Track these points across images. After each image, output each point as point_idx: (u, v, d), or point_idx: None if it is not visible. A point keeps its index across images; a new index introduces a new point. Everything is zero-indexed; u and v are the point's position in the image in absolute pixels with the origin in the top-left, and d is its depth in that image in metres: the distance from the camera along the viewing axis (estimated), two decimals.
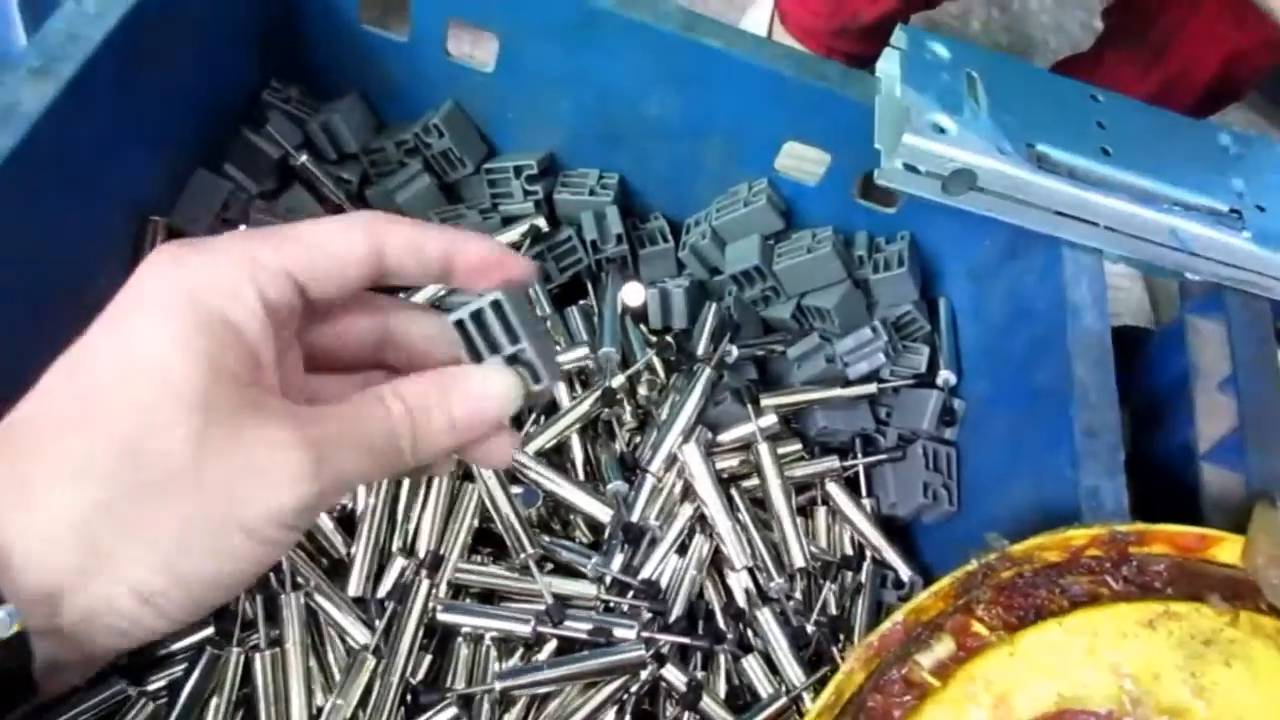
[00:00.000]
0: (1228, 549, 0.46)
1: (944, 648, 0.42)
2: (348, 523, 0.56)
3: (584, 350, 0.60)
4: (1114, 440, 0.52)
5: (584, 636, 0.52)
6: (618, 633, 0.52)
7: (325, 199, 0.66)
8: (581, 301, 0.66)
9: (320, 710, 0.50)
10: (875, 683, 0.40)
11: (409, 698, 0.51)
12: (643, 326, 0.65)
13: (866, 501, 0.62)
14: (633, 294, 0.64)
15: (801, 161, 0.65)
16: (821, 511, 0.62)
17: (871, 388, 0.62)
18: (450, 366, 0.32)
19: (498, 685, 0.50)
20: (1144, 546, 0.46)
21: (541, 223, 0.65)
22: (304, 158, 0.63)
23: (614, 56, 0.61)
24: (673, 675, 0.52)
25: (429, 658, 0.53)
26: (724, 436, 0.60)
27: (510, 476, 0.57)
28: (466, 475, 0.56)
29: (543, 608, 0.52)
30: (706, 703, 0.51)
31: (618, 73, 0.62)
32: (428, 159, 0.66)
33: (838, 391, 0.62)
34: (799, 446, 0.62)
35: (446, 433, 0.31)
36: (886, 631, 0.41)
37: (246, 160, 0.62)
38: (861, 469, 0.62)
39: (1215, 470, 0.56)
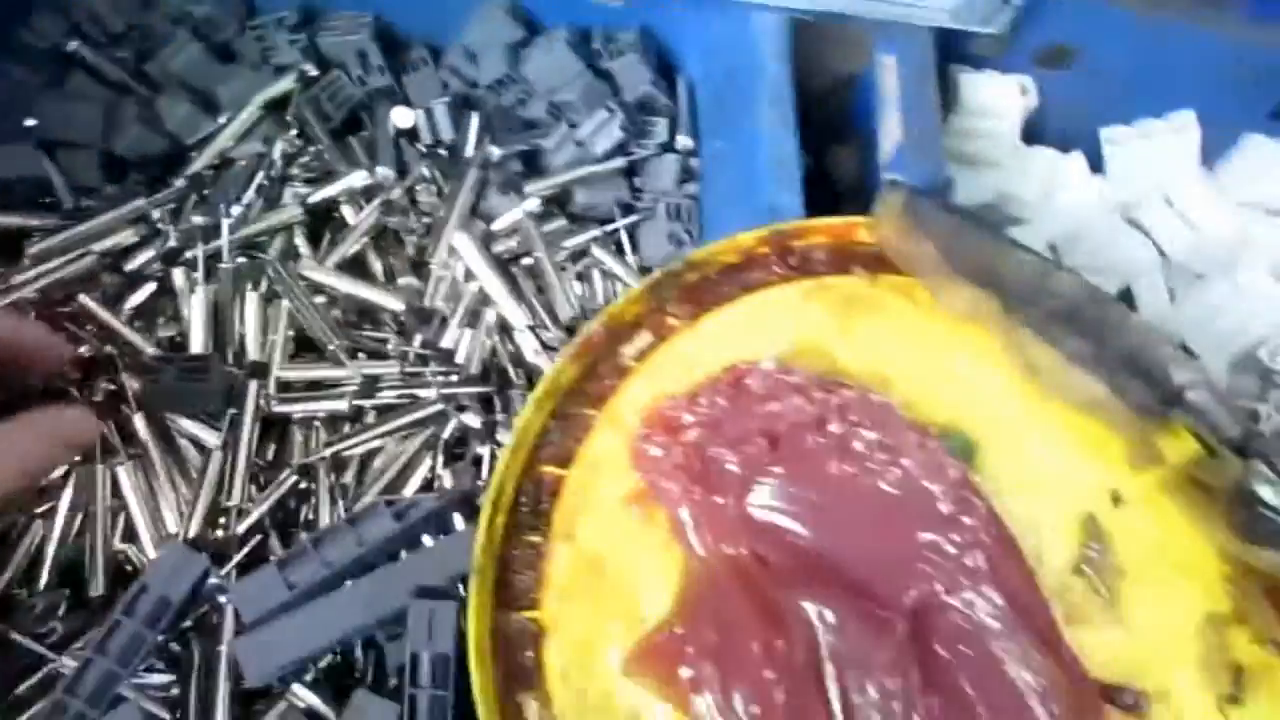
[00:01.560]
0: (866, 230, 0.57)
1: (643, 339, 0.53)
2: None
3: (364, 172, 0.69)
4: (794, 166, 0.63)
5: (394, 401, 0.63)
6: (421, 394, 0.63)
7: (108, 80, 0.72)
8: (361, 133, 0.74)
9: (187, 501, 0.61)
10: (587, 374, 0.52)
11: (257, 477, 0.62)
12: (417, 145, 0.74)
13: (631, 259, 0.72)
14: (401, 117, 0.72)
15: None
16: (596, 274, 0.72)
17: (619, 161, 0.72)
18: None
19: (328, 451, 0.61)
20: (804, 239, 0.57)
21: (309, 68, 0.73)
22: (75, 43, 0.69)
23: None
24: (472, 419, 0.63)
25: (272, 446, 0.63)
26: (498, 225, 0.70)
27: (315, 290, 0.66)
28: (274, 295, 0.66)
29: (356, 387, 0.63)
30: (503, 434, 0.63)
31: None
32: (194, 26, 0.73)
33: (590, 169, 0.71)
34: (565, 222, 0.72)
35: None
36: (590, 333, 0.52)
37: (22, 55, 0.68)
38: (622, 231, 0.72)
39: (888, 176, 0.67)
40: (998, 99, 0.76)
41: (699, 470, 0.46)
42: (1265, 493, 0.52)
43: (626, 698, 0.44)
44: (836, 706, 0.42)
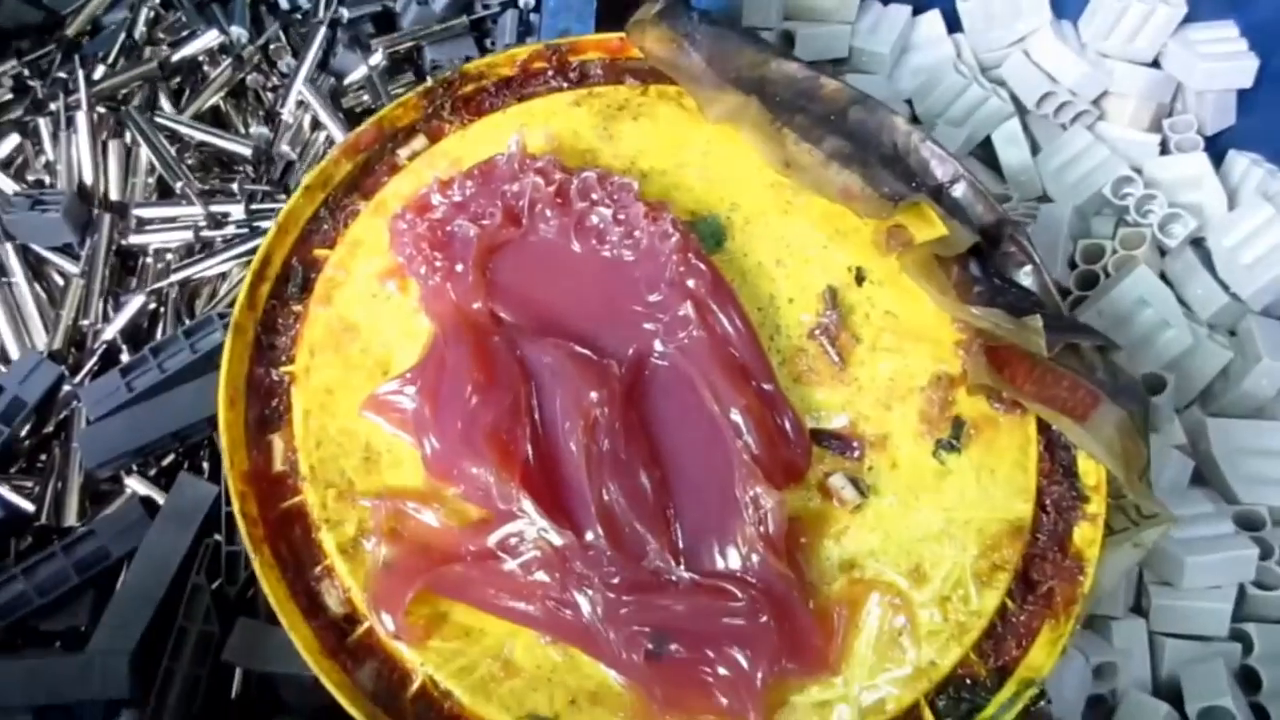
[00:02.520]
0: (659, 49, 0.61)
1: (418, 142, 0.58)
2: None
3: (216, 32, 0.74)
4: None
5: (238, 233, 0.69)
6: (264, 225, 0.68)
7: None
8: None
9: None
10: (362, 170, 0.56)
11: (117, 299, 0.68)
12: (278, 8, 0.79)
13: None
14: None
15: None
16: None
17: (462, 19, 0.76)
18: None
19: (175, 277, 0.67)
20: (580, 54, 0.61)
21: None
22: None
23: None
24: None
25: (134, 280, 0.69)
26: (348, 80, 0.75)
27: (173, 138, 0.72)
28: (137, 143, 0.71)
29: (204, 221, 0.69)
30: None
31: None
32: None
33: (434, 28, 0.76)
34: (414, 77, 0.77)
35: None
36: (362, 131, 0.57)
37: None
38: None
39: None
40: None
41: (441, 240, 0.51)
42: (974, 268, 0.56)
43: (361, 434, 0.49)
44: (540, 434, 0.47)
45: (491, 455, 0.45)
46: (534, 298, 0.50)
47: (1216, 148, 0.87)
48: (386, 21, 0.78)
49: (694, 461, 0.47)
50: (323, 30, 0.74)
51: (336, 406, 0.49)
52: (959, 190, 0.59)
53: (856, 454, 0.51)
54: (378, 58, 0.73)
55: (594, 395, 0.47)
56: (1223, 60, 0.85)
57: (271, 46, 0.75)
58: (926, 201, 0.56)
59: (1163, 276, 0.81)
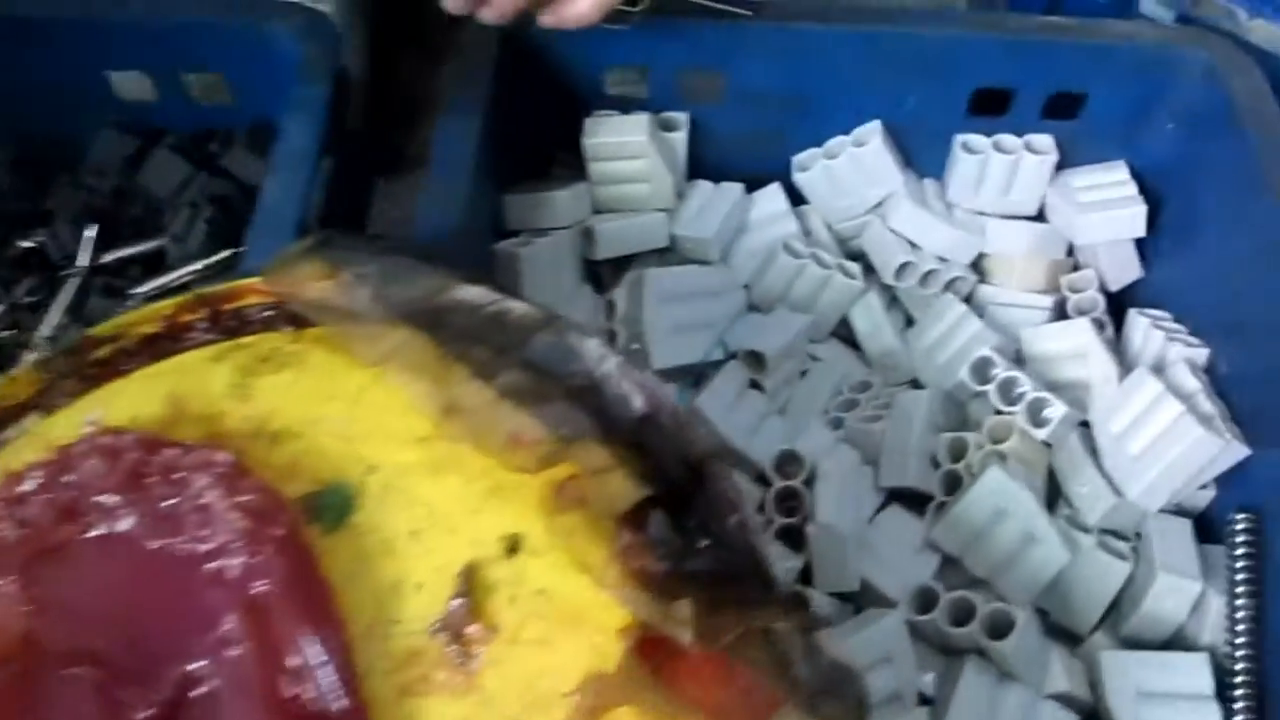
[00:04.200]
0: (314, 288, 0.54)
1: (30, 420, 0.51)
2: None
3: None
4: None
5: None
6: None
7: None
8: None
9: None
10: None
11: None
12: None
13: None
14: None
15: None
16: None
17: (225, 253, 0.71)
18: None
19: None
20: (238, 301, 0.54)
21: None
22: None
23: None
24: None
25: None
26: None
27: None
28: None
29: None
30: None
31: None
32: None
33: (196, 266, 0.71)
34: None
35: None
36: None
37: None
38: None
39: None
40: (634, 137, 0.72)
41: None
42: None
43: None
44: None
45: None
46: (82, 611, 0.42)
47: (1124, 304, 0.75)
48: (154, 261, 0.74)
49: None
50: (74, 280, 0.70)
51: None
52: (662, 421, 0.49)
53: None
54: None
55: None
56: (1106, 209, 0.74)
57: (28, 300, 0.71)
58: (601, 441, 0.46)
59: (1052, 474, 0.68)
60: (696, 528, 0.46)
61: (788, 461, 0.63)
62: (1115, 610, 0.64)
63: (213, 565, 0.42)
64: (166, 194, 0.74)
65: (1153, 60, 0.71)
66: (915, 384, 0.75)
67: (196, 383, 0.50)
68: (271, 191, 0.59)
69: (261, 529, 0.42)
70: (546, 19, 0.58)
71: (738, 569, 0.44)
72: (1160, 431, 0.62)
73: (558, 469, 0.45)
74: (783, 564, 0.57)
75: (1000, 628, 0.56)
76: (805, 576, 0.61)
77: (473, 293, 0.52)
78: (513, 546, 0.45)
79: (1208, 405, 0.63)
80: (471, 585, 0.44)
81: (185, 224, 0.70)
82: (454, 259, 0.57)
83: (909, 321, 0.78)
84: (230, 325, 0.53)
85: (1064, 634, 0.64)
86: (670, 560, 0.43)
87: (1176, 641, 0.62)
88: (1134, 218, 0.73)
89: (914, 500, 0.68)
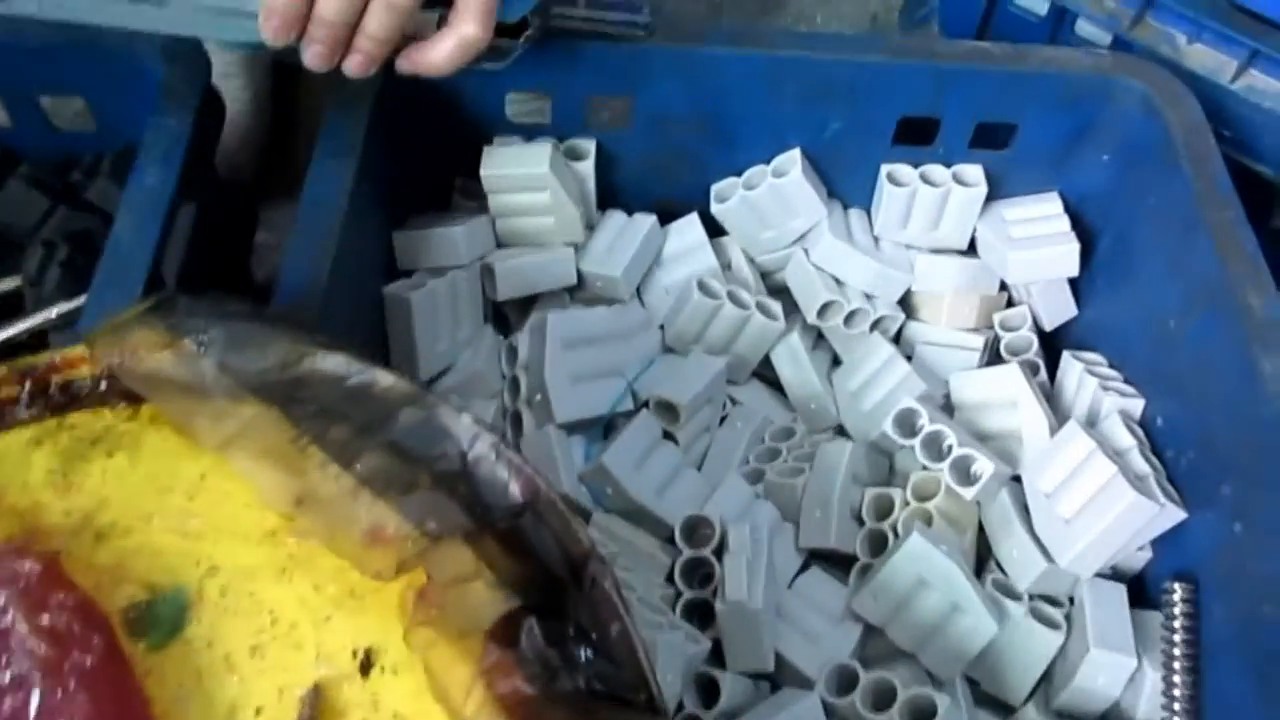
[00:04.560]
0: (151, 358, 0.47)
1: None
2: None
3: None
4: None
5: None
6: None
7: None
8: None
9: None
10: None
11: None
12: None
13: None
14: None
15: None
16: None
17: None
18: None
19: None
20: (66, 372, 0.48)
21: None
22: None
23: None
24: None
25: None
26: None
27: None
28: None
29: None
30: None
31: None
32: None
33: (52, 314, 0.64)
34: None
35: None
36: None
37: None
38: None
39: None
40: (534, 169, 0.66)
41: None
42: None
43: None
44: None
45: None
46: None
47: (1059, 344, 0.71)
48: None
49: None
50: None
51: None
52: (541, 511, 0.44)
53: None
54: None
55: None
56: (1038, 246, 0.69)
57: None
58: (470, 538, 0.41)
59: (982, 532, 0.64)
60: (576, 636, 0.41)
61: (698, 526, 0.58)
62: (1049, 680, 0.60)
63: (5, 704, 0.36)
64: (23, 229, 0.67)
65: (1086, 89, 0.67)
66: (841, 430, 0.71)
67: (12, 470, 0.44)
68: (120, 237, 0.53)
69: (66, 657, 0.37)
70: (403, 65, 0.53)
71: (617, 685, 0.39)
72: (1092, 494, 0.58)
73: (417, 573, 0.40)
74: (688, 648, 0.52)
75: (922, 713, 0.52)
76: (718, 652, 0.56)
77: (332, 362, 0.47)
78: (366, 663, 0.40)
79: (1142, 464, 0.60)
80: (318, 710, 0.39)
81: (39, 264, 0.63)
82: (326, 313, 0.51)
83: (837, 361, 0.73)
84: (56, 401, 0.47)
85: (995, 704, 0.60)
86: (542, 680, 0.38)
87: (1111, 715, 0.58)
88: (1066, 256, 0.69)
89: (838, 560, 0.63)
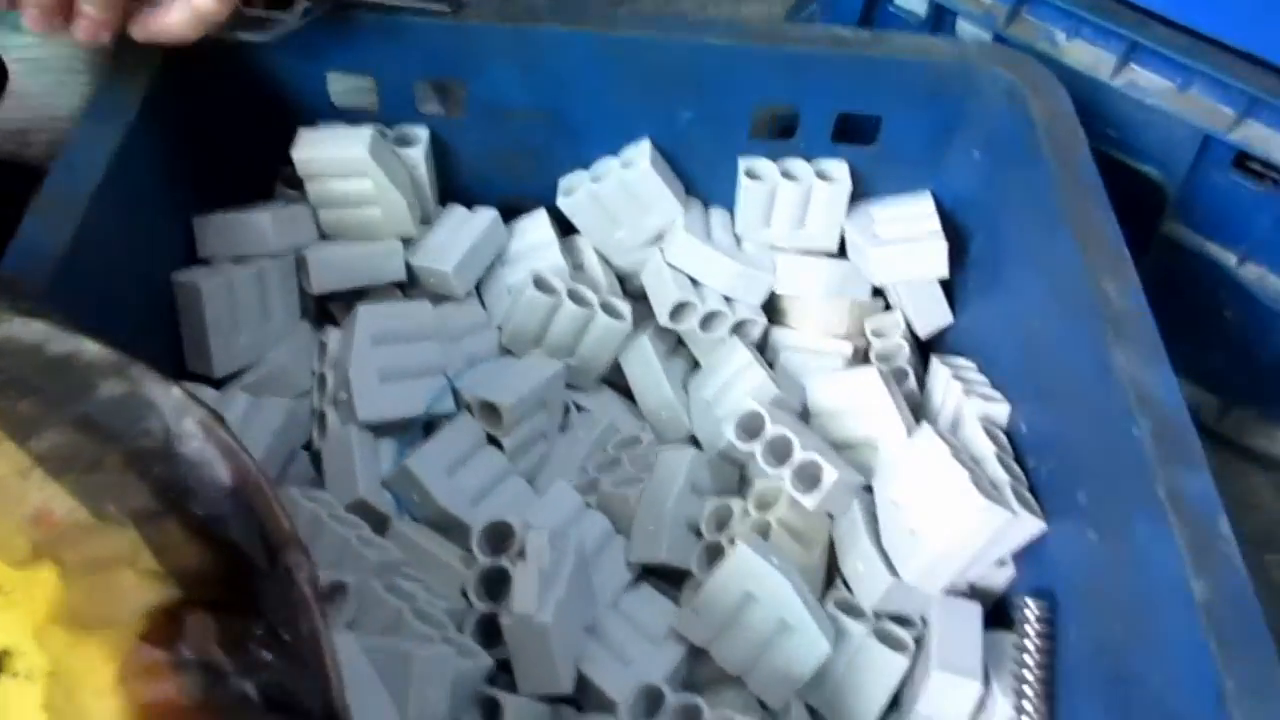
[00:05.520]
0: None
1: None
2: None
3: None
4: None
5: None
6: None
7: None
8: None
9: None
10: None
11: None
12: None
13: None
14: None
15: None
16: None
17: None
18: None
19: None
20: None
21: None
22: None
23: None
24: None
25: None
26: None
27: None
28: None
29: None
30: None
31: None
32: None
33: None
34: None
35: None
36: None
37: None
38: None
39: None
40: (352, 152, 0.61)
41: None
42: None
43: None
44: None
45: None
46: None
47: (936, 354, 0.66)
48: None
49: None
50: None
51: None
52: (249, 497, 0.38)
53: None
54: None
55: None
56: (904, 244, 0.65)
57: None
58: (151, 520, 0.35)
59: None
60: (263, 636, 0.35)
61: (503, 534, 0.53)
62: (897, 708, 0.54)
63: None
64: None
65: (950, 80, 0.63)
66: (695, 441, 0.65)
67: None
68: None
69: None
70: (136, 32, 0.49)
71: (298, 692, 0.33)
72: (940, 502, 0.52)
73: (56, 561, 0.34)
74: (460, 665, 0.46)
75: None
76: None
77: (32, 330, 0.41)
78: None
79: (1000, 471, 0.54)
80: None
81: None
82: (70, 287, 0.46)
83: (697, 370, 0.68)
84: None
85: None
86: (202, 686, 0.32)
87: None
88: (934, 255, 0.65)
89: (675, 578, 0.58)
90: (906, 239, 0.66)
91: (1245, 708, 0.38)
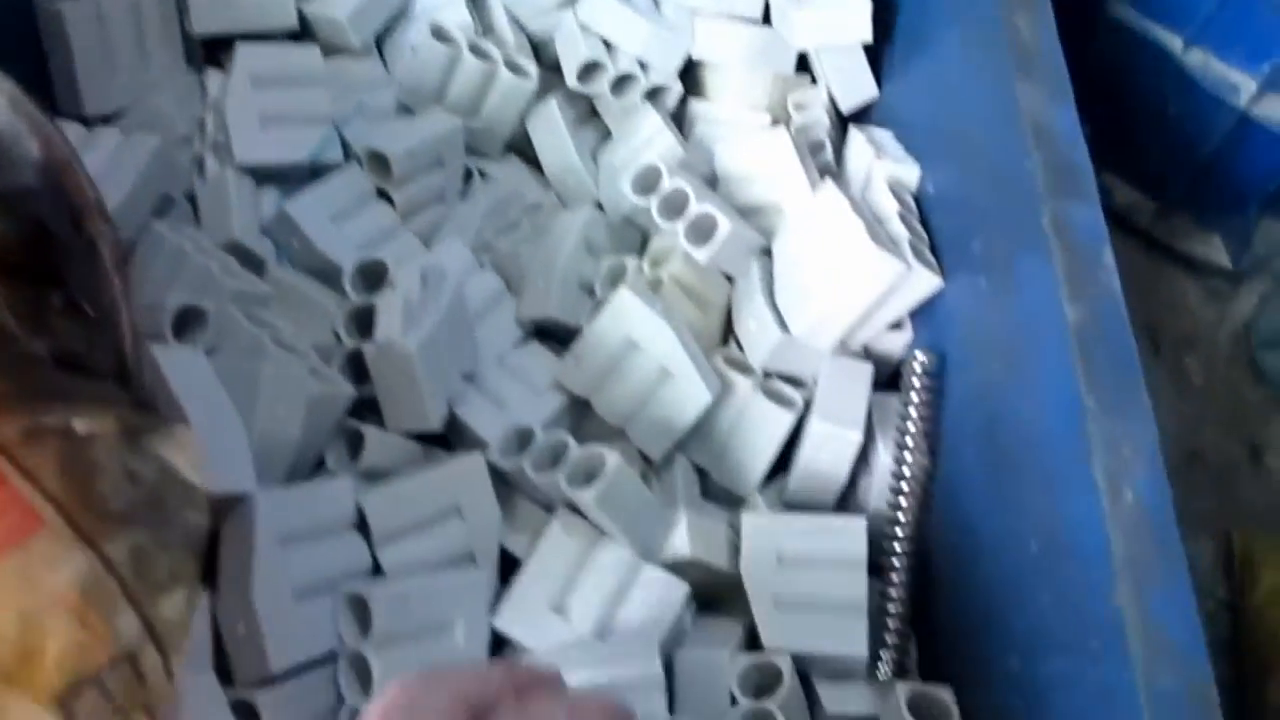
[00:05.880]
0: None
1: None
2: None
3: None
4: None
5: None
6: None
7: None
8: None
9: None
10: None
11: None
12: None
13: None
14: None
15: None
16: None
17: None
18: None
19: None
20: None
21: None
22: None
23: None
24: None
25: None
26: None
27: None
28: None
29: None
30: None
31: None
32: None
33: None
34: None
35: None
36: None
37: None
38: None
39: None
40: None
41: None
42: None
43: None
44: None
45: None
46: None
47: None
48: None
49: None
50: None
51: None
52: (56, 171, 0.36)
53: None
54: None
55: None
56: (826, 6, 0.61)
57: None
58: None
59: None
60: (63, 306, 0.33)
61: (375, 276, 0.51)
62: (785, 470, 0.53)
63: None
64: None
65: None
66: (600, 208, 0.63)
67: None
68: None
69: None
70: None
71: (87, 356, 0.31)
72: (836, 255, 0.51)
73: None
74: (312, 386, 0.45)
75: (593, 474, 0.45)
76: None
77: None
78: None
79: (900, 228, 0.52)
80: None
81: None
82: None
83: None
84: None
85: (729, 498, 0.54)
86: None
87: (844, 505, 0.52)
88: (857, 16, 0.61)
89: (566, 338, 0.56)
90: (827, 2, 0.62)
91: (1103, 425, 0.37)
